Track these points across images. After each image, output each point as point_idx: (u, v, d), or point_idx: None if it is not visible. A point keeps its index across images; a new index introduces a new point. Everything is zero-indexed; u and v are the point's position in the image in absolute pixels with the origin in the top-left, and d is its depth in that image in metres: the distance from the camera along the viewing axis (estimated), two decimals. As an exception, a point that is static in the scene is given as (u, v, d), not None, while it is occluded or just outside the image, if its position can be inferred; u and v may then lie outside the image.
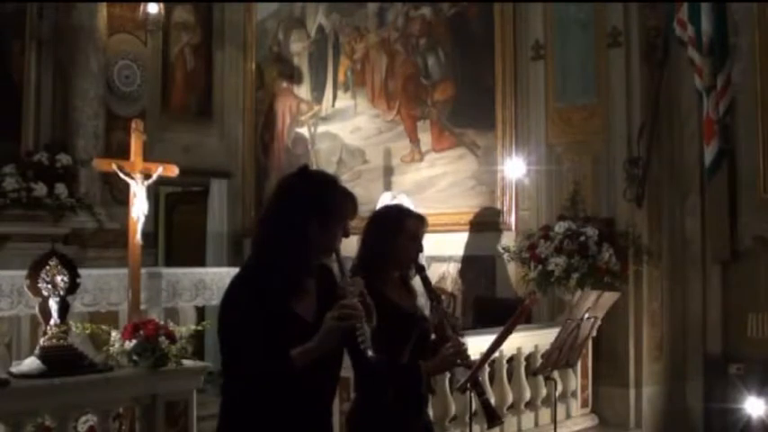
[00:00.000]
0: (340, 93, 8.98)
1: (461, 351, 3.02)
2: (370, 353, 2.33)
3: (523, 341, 5.59)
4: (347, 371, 4.43)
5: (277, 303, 2.34)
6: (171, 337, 4.19)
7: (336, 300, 2.37)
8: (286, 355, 2.27)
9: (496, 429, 5.24)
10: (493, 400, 5.29)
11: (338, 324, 2.30)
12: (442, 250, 7.39)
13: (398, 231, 3.07)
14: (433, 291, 3.17)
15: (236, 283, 2.44)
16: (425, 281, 3.19)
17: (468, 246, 7.49)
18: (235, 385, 2.39)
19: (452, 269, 7.55)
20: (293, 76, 9.51)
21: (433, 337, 3.13)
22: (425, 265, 3.21)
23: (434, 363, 3.01)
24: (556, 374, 5.06)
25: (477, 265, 7.43)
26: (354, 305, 2.32)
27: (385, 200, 7.04)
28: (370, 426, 3.00)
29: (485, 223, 7.42)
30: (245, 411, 2.39)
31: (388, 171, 8.32)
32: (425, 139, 8.07)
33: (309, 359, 2.29)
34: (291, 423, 2.38)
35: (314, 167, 2.76)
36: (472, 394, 3.08)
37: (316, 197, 2.43)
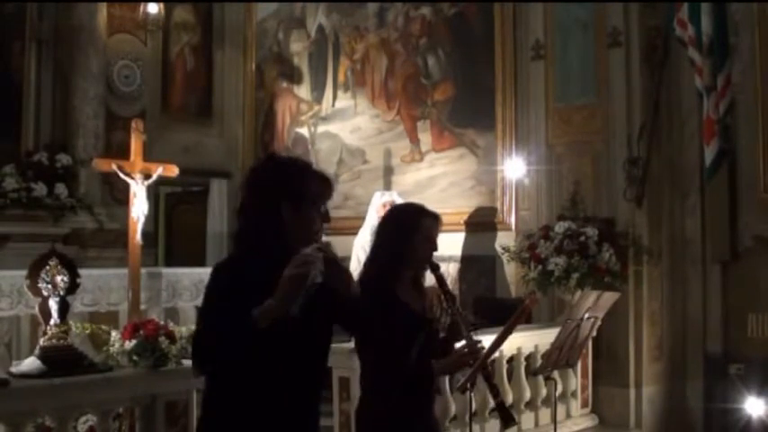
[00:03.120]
0: (340, 93, 8.98)
1: (476, 351, 3.00)
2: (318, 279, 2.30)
3: (523, 341, 5.59)
4: (347, 371, 4.43)
5: (257, 293, 2.31)
6: (171, 337, 4.19)
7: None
8: (248, 313, 2.26)
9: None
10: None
11: (295, 271, 2.27)
12: (442, 250, 7.31)
13: (414, 230, 3.08)
14: (448, 291, 3.14)
15: (219, 268, 2.46)
16: (440, 280, 3.17)
17: (467, 246, 7.48)
18: (205, 361, 2.37)
19: (452, 269, 7.53)
20: (293, 76, 9.50)
21: (441, 335, 3.11)
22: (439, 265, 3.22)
23: (447, 362, 2.99)
24: (556, 374, 5.06)
25: (476, 265, 7.43)
26: (310, 253, 2.31)
27: (376, 199, 7.05)
28: (377, 424, 2.99)
29: (485, 223, 7.42)
30: (223, 404, 2.38)
31: (388, 171, 8.32)
32: (425, 139, 8.06)
33: (272, 317, 2.27)
34: (271, 418, 2.36)
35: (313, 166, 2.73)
36: (489, 395, 3.05)
37: (285, 181, 2.43)
